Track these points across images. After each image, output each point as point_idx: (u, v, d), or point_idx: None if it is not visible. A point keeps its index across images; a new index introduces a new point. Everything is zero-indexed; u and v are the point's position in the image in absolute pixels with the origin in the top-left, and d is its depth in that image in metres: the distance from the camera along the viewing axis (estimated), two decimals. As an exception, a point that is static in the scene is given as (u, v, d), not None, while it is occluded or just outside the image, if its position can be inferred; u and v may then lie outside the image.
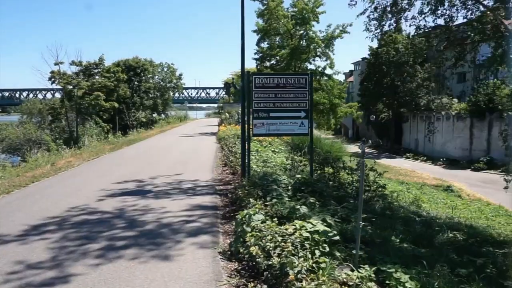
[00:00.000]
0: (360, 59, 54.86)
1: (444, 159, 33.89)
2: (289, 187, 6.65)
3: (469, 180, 26.18)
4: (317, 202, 5.96)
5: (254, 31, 26.67)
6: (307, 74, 7.21)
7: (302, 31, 24.37)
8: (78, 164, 11.42)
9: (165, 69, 56.13)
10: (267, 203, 5.38)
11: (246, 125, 7.39)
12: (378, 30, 10.48)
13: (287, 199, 5.71)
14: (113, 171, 10.00)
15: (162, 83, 55.68)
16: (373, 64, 40.73)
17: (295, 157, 9.01)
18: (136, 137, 23.34)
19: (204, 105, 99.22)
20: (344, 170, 8.57)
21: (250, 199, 5.37)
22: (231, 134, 16.41)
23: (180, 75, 57.81)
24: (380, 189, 7.54)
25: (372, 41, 11.11)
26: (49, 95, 52.56)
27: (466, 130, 33.70)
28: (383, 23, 10.28)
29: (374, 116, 43.96)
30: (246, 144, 7.49)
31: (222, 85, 78.10)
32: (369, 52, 42.21)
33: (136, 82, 46.25)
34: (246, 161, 7.43)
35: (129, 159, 12.45)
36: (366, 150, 5.03)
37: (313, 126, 7.34)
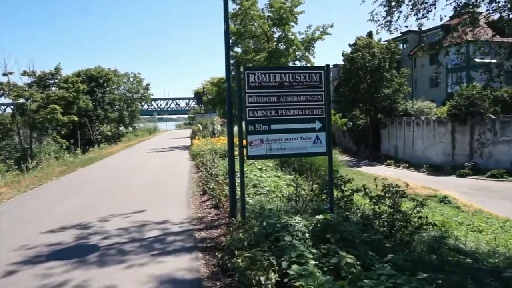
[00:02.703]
0: (332, 66, 53.87)
1: (428, 165, 32.76)
2: (307, 235, 4.45)
3: (459, 188, 24.86)
4: (356, 262, 3.81)
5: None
6: (323, 67, 5.04)
7: (280, 33, 22.50)
8: (9, 198, 8.66)
9: (131, 79, 53.05)
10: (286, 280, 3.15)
11: (239, 141, 5.10)
12: (389, 18, 8.54)
13: (312, 264, 3.48)
14: (51, 209, 7.34)
15: (128, 94, 52.49)
16: (348, 69, 39.57)
17: (300, 181, 6.79)
18: (96, 154, 20.45)
19: (174, 116, 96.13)
20: (366, 194, 6.44)
21: (258, 275, 3.10)
22: (207, 149, 14.03)
23: (148, 85, 54.83)
24: (425, 226, 5.43)
25: (377, 33, 9.38)
26: None
27: (447, 135, 32.77)
28: (395, 9, 8.36)
29: (351, 123, 42.83)
30: (238, 166, 5.18)
31: (193, 95, 75.70)
32: (343, 58, 41.15)
33: (99, 94, 42.92)
34: (239, 191, 5.13)
35: (79, 187, 9.57)
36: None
37: (331, 141, 5.14)
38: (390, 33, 8.94)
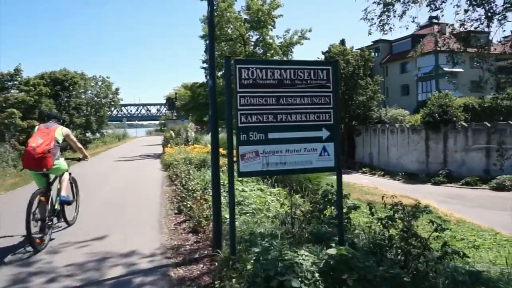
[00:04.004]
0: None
1: (403, 173, 32.73)
2: (316, 275, 3.46)
3: (435, 196, 24.67)
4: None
5: (202, 37, 23.49)
6: (331, 62, 4.10)
7: (257, 36, 21.63)
8: None
9: (99, 83, 50.73)
10: None
11: (227, 154, 4.06)
12: (384, 18, 7.81)
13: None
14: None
15: (96, 98, 50.10)
16: (323, 76, 39.30)
17: (297, 199, 5.79)
18: (58, 163, 18.72)
19: (145, 122, 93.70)
20: (373, 215, 5.56)
21: None
22: (181, 159, 12.83)
23: (117, 89, 52.57)
24: (449, 255, 4.56)
25: (369, 35, 8.87)
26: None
27: (421, 142, 32.91)
28: (390, 7, 7.64)
29: (325, 130, 42.50)
30: (227, 183, 4.15)
31: (164, 101, 73.95)
32: (318, 64, 40.82)
33: (64, 98, 40.56)
34: (227, 216, 4.08)
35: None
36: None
37: (340, 154, 4.18)
38: (384, 33, 8.24)
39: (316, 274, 3.48)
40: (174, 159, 13.26)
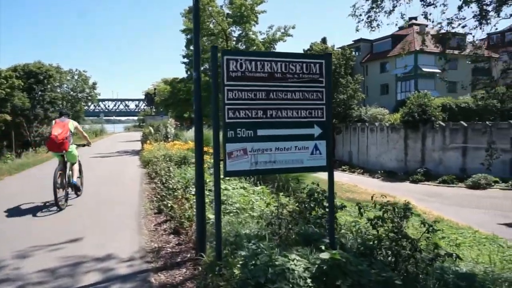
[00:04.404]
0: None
1: (382, 171, 33.12)
2: (308, 281, 3.26)
3: (414, 194, 25.01)
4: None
5: (183, 31, 22.95)
6: (324, 55, 3.88)
7: (240, 32, 21.31)
8: None
9: (76, 77, 49.35)
10: None
11: (213, 152, 3.79)
12: (372, 14, 7.67)
13: None
14: None
15: (72, 92, 48.75)
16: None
17: (283, 200, 5.56)
18: (31, 159, 17.94)
19: (123, 118, 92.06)
20: (362, 215, 5.43)
21: None
22: (161, 155, 12.43)
23: (94, 84, 51.34)
24: (441, 257, 4.44)
25: (357, 31, 8.59)
26: None
27: (400, 141, 33.37)
28: (379, 2, 7.50)
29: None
30: (213, 186, 3.90)
31: (143, 96, 72.70)
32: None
33: (39, 91, 39.19)
34: (212, 221, 3.82)
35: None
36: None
37: (332, 153, 3.98)
38: (372, 30, 8.11)
39: (309, 280, 3.27)
40: (154, 156, 12.85)
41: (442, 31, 7.66)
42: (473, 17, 6.62)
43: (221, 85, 3.51)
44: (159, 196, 7.38)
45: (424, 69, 42.18)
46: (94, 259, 4.40)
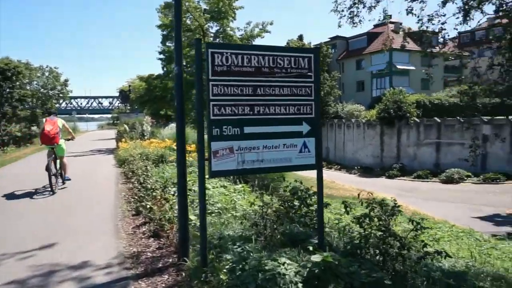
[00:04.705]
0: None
1: (358, 167, 33.53)
2: (300, 285, 3.11)
3: (390, 189, 25.38)
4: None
5: (159, 27, 22.39)
6: (313, 49, 3.73)
7: (217, 28, 20.98)
8: None
9: (47, 74, 47.54)
10: None
11: (197, 151, 3.57)
12: (354, 10, 7.58)
13: None
14: None
15: (43, 90, 46.93)
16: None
17: (266, 199, 5.37)
18: (-1, 159, 17.12)
19: (96, 116, 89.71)
20: (348, 213, 5.34)
21: None
22: (137, 154, 12.05)
23: (66, 81, 49.54)
24: (430, 255, 4.38)
25: (339, 26, 8.63)
26: None
27: (377, 137, 33.84)
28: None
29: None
30: (198, 188, 3.67)
31: (117, 94, 71.11)
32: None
33: (7, 88, 37.50)
34: (196, 224, 3.61)
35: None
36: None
37: (321, 151, 3.84)
38: (354, 26, 8.04)
39: (300, 285, 3.12)
40: (130, 155, 12.44)
41: (423, 27, 7.68)
42: (458, 12, 6.64)
43: (206, 80, 3.29)
44: (136, 197, 7.08)
45: (399, 66, 43.01)
46: (68, 267, 4.10)
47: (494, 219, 16.75)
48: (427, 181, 27.66)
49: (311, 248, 4.25)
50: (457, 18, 7.16)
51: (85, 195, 8.31)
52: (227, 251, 4.08)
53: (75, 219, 6.28)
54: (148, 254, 4.47)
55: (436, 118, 30.48)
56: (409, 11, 7.33)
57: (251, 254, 3.72)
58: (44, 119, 9.28)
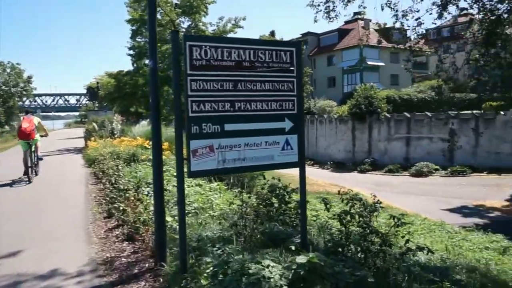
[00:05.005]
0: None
1: (331, 162, 33.90)
2: (285, 289, 2.99)
3: (363, 184, 25.81)
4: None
5: (128, 21, 21.70)
6: (295, 43, 3.60)
7: (189, 23, 20.55)
8: None
9: (8, 70, 45.40)
10: None
11: (176, 149, 3.36)
12: (330, 4, 7.52)
13: None
14: None
15: (4, 87, 44.80)
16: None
17: (245, 198, 5.21)
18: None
19: (62, 114, 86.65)
20: (328, 210, 5.29)
21: None
22: (107, 153, 11.61)
23: (29, 77, 47.61)
24: (412, 251, 4.38)
25: (315, 21, 8.54)
26: None
27: (348, 132, 34.32)
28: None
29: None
30: (176, 190, 3.50)
31: (85, 91, 68.87)
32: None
33: (-36, 86, 35.60)
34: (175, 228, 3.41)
35: None
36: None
37: (304, 147, 3.73)
38: (330, 21, 8.00)
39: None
40: (100, 154, 11.98)
41: (398, 23, 7.75)
42: (436, 6, 6.70)
43: (184, 75, 3.09)
44: (108, 198, 6.76)
45: (369, 62, 43.77)
46: (35, 276, 3.80)
47: (462, 211, 17.30)
48: (398, 175, 28.29)
49: (293, 248, 4.16)
50: (430, 14, 7.24)
51: (53, 198, 7.88)
52: (206, 254, 3.91)
53: (42, 225, 5.91)
54: (123, 259, 4.22)
55: (405, 113, 31.22)
56: (388, 5, 7.35)
57: (233, 257, 3.57)
58: (22, 117, 10.67)
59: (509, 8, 5.72)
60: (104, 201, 6.99)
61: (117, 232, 5.21)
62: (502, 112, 24.36)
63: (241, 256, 3.50)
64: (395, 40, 8.72)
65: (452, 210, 17.33)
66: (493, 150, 26.08)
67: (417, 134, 29.75)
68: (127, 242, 4.77)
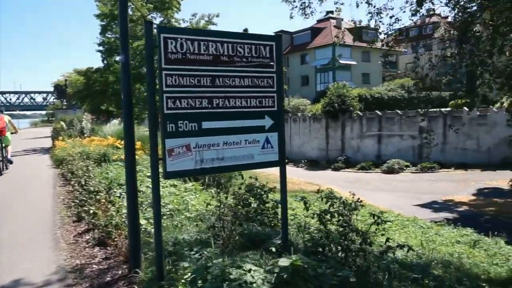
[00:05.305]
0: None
1: (305, 160, 34.14)
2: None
3: (337, 181, 26.13)
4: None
5: (97, 16, 20.98)
6: (275, 37, 3.47)
7: (161, 19, 20.07)
8: None
9: (-32, 67, 43.20)
10: None
11: (150, 148, 3.15)
12: (305, 0, 7.45)
13: None
14: None
15: (-37, 84, 42.62)
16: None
17: (223, 197, 5.03)
18: None
19: (28, 113, 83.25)
20: (307, 210, 5.22)
21: None
22: (77, 153, 11.15)
23: (-9, 74, 45.43)
24: (392, 249, 4.36)
25: (291, 18, 8.24)
26: None
27: (322, 131, 34.68)
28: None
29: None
30: (153, 193, 3.32)
31: (52, 89, 66.43)
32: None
33: None
34: (152, 233, 3.23)
35: None
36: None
37: (285, 146, 3.61)
38: (306, 17, 7.92)
39: (269, 294, 2.87)
40: (68, 154, 11.49)
41: (373, 20, 7.79)
42: (411, 4, 6.76)
43: (158, 70, 2.90)
44: (77, 201, 6.42)
45: (341, 61, 44.34)
46: (-3, 288, 3.52)
47: (432, 206, 17.77)
48: (370, 172, 28.81)
49: (274, 250, 4.05)
50: (404, 12, 7.31)
51: (18, 201, 7.45)
52: (184, 259, 3.73)
53: (5, 230, 5.54)
54: (94, 266, 3.97)
55: (377, 111, 31.83)
56: (367, 1, 7.35)
57: (212, 261, 3.41)
58: None
59: (480, 5, 5.84)
60: (73, 204, 6.65)
61: (87, 237, 4.93)
62: (467, 109, 25.30)
63: (220, 260, 3.35)
64: (371, 39, 8.78)
65: (423, 206, 17.78)
66: (460, 146, 27.01)
67: (388, 132, 30.41)
68: (98, 248, 4.50)
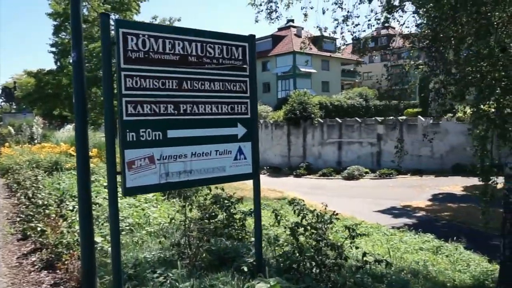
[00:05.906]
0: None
1: (268, 167, 34.10)
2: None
3: (299, 188, 26.24)
4: None
5: (50, 15, 19.80)
6: (248, 37, 3.18)
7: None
8: None
9: None
10: None
11: (106, 161, 2.74)
12: (272, 5, 7.26)
13: None
14: None
15: None
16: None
17: (188, 211, 4.64)
18: None
19: (-28, 117, 77.66)
20: (279, 223, 4.97)
21: None
22: (25, 161, 10.30)
23: None
24: (369, 264, 4.18)
25: (256, 21, 8.15)
26: None
27: (284, 137, 34.87)
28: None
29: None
30: (110, 207, 2.92)
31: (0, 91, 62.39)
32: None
33: None
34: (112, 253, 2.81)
35: None
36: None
37: (259, 158, 3.32)
38: (271, 22, 7.75)
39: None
40: (15, 162, 10.58)
41: (339, 28, 7.75)
42: (382, 11, 6.76)
43: (116, 70, 2.53)
44: (23, 216, 5.77)
45: (302, 69, 45.01)
46: None
47: (392, 211, 18.15)
48: (332, 179, 29.18)
49: (245, 269, 3.73)
50: (369, 20, 7.34)
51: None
52: (146, 283, 3.34)
53: None
54: (39, 294, 3.46)
55: (337, 118, 32.43)
56: (339, 6, 7.29)
57: (178, 285, 3.04)
58: None
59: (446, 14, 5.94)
60: (18, 219, 5.97)
61: (33, 259, 4.34)
62: (421, 118, 26.30)
63: (188, 284, 2.99)
64: (336, 46, 8.80)
65: (383, 211, 18.10)
66: (416, 153, 27.99)
67: (348, 139, 31.03)
68: (46, 271, 3.94)
